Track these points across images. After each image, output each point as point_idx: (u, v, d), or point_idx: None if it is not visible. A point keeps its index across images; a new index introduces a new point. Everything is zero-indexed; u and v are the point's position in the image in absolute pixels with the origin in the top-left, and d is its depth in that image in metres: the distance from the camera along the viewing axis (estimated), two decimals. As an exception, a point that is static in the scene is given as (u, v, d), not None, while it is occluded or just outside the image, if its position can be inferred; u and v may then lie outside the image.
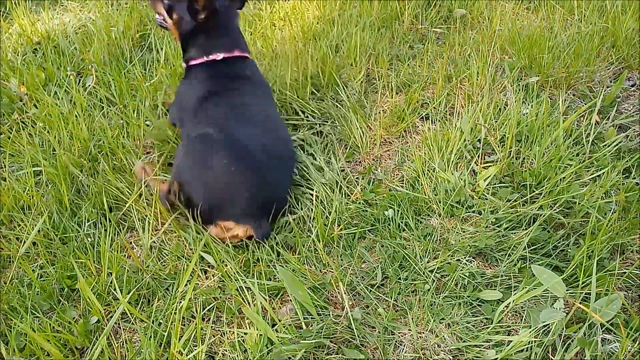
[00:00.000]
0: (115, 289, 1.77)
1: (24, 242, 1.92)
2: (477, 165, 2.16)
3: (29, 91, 2.82)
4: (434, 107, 2.55)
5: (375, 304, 1.73)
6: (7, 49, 3.32)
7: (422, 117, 2.55)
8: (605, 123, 2.40)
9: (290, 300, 1.76)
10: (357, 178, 2.23)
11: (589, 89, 2.63)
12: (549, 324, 1.56)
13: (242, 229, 1.91)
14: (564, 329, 1.54)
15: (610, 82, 2.69)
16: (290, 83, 2.66)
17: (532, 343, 1.52)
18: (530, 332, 1.54)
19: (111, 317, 1.74)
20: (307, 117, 2.55)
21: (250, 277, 1.83)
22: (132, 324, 1.75)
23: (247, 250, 1.94)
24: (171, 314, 1.73)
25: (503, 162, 2.06)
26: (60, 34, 3.35)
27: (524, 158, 2.15)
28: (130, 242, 2.04)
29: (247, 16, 3.43)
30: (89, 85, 2.85)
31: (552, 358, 1.49)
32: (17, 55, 3.22)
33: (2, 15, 3.65)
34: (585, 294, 1.64)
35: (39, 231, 2.01)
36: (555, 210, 1.88)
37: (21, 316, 1.75)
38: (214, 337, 1.69)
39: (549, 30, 2.99)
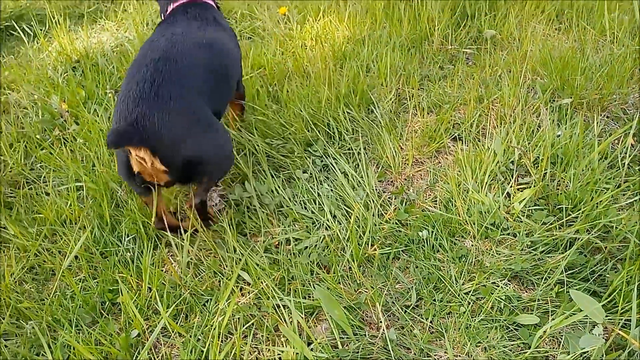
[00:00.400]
0: (156, 304, 1.82)
1: (68, 255, 1.98)
2: (510, 187, 2.16)
3: (69, 108, 2.91)
4: (466, 128, 2.57)
5: (410, 325, 1.74)
6: (47, 66, 3.44)
7: (454, 138, 2.56)
8: (640, 146, 2.38)
9: (326, 319, 1.79)
10: (389, 197, 2.25)
11: (622, 111, 2.62)
12: (588, 351, 1.56)
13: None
14: (604, 356, 1.53)
15: (644, 104, 2.68)
16: (324, 103, 2.70)
17: (572, 369, 1.52)
18: (569, 358, 1.53)
19: (151, 331, 1.78)
20: (340, 135, 2.59)
21: (286, 294, 1.86)
22: (172, 338, 1.79)
23: (282, 267, 1.97)
24: (209, 330, 1.76)
25: (538, 185, 2.06)
26: (98, 53, 3.47)
27: (559, 181, 2.15)
28: (170, 256, 2.09)
29: (278, 36, 3.50)
30: (127, 103, 2.93)
31: (592, 385, 1.48)
32: (57, 72, 3.33)
33: (43, 33, 3.79)
34: (625, 320, 1.63)
35: (82, 246, 2.08)
36: (592, 234, 1.88)
37: (65, 328, 1.81)
38: (251, 354, 1.72)
39: (580, 51, 2.99)
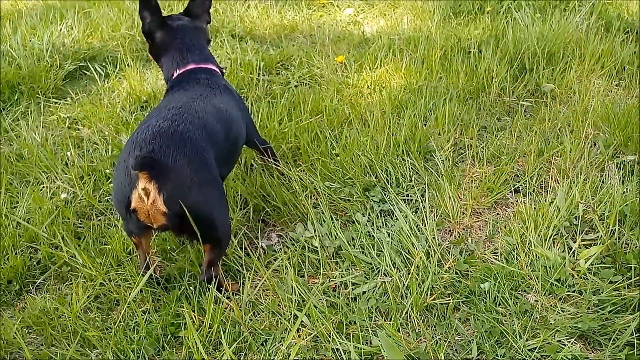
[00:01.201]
0: (218, 339, 1.85)
1: (135, 286, 2.05)
2: (574, 242, 2.12)
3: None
4: (526, 181, 2.55)
5: (473, 379, 1.71)
6: (117, 105, 3.64)
7: (513, 190, 2.55)
8: None
9: (385, 367, 1.77)
10: (448, 247, 2.25)
11: (689, 170, 2.56)
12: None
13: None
14: None
15: None
16: (382, 149, 2.76)
17: None
18: None
19: (212, 367, 1.81)
20: (398, 181, 2.62)
21: (344, 339, 1.86)
22: (230, 376, 1.81)
23: (340, 311, 1.98)
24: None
25: (606, 242, 2.02)
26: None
27: (626, 239, 2.10)
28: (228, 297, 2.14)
29: (335, 83, 3.61)
30: (191, 142, 3.06)
31: None
32: (127, 111, 3.52)
33: (114, 74, 4.03)
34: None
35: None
36: (664, 296, 1.82)
37: (129, 358, 1.86)
38: (310, 398, 1.72)
39: (641, 108, 2.96)
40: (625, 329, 1.75)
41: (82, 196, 2.73)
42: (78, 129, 3.40)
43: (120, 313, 2.05)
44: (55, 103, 3.72)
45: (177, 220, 1.80)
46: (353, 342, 1.83)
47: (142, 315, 2.02)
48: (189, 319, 1.85)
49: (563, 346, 1.75)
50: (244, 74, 3.73)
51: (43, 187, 2.80)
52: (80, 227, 2.56)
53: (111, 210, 2.62)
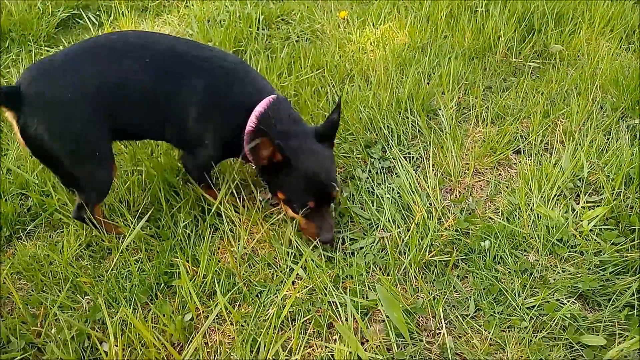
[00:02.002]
0: (213, 288, 1.82)
1: (128, 234, 2.00)
2: (577, 204, 2.09)
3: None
4: (530, 142, 2.50)
5: (469, 334, 1.69)
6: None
7: (517, 151, 2.50)
8: None
9: (381, 320, 1.75)
10: (449, 205, 2.20)
11: (697, 137, 2.50)
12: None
13: None
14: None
15: None
16: (385, 106, 2.68)
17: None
18: (640, 384, 1.45)
19: (206, 316, 1.78)
20: (399, 139, 2.56)
21: (340, 292, 1.83)
22: (222, 324, 1.79)
23: (337, 265, 1.95)
24: (263, 321, 1.75)
25: (611, 204, 1.98)
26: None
27: (631, 201, 2.06)
28: (224, 246, 2.10)
29: (337, 39, 3.50)
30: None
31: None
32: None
33: (108, 23, 3.89)
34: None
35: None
36: (666, 258, 1.79)
37: (118, 304, 1.83)
38: (304, 349, 1.69)
39: (652, 72, 2.88)
40: (626, 290, 1.73)
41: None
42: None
43: (112, 261, 2.01)
44: (47, 51, 3.60)
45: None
46: (349, 296, 1.80)
47: (135, 264, 1.98)
48: (183, 268, 1.81)
49: (562, 305, 1.73)
50: (242, 27, 3.61)
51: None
52: (72, 175, 2.49)
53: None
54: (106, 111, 1.90)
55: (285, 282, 1.87)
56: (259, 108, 1.97)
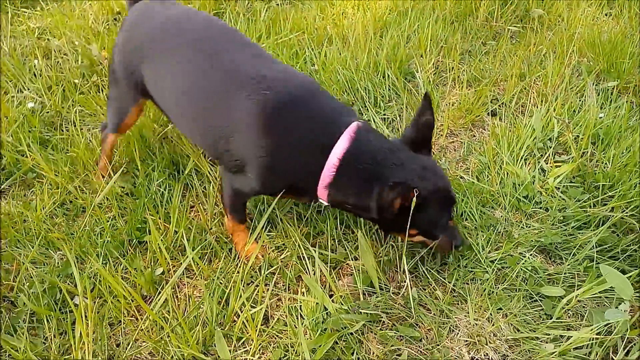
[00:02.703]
0: (181, 245, 1.84)
1: (99, 192, 2.01)
2: (546, 163, 2.11)
3: (108, 55, 2.94)
4: (504, 103, 2.51)
5: (433, 286, 1.73)
6: (89, 16, 3.47)
7: (491, 113, 2.51)
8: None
9: (350, 274, 1.79)
10: (421, 165, 2.22)
11: (669, 99, 2.53)
12: (611, 326, 1.52)
13: None
14: (628, 330, 1.50)
15: (694, 94, 2.58)
16: (364, 68, 2.68)
17: (592, 341, 1.49)
18: (591, 330, 1.50)
19: (175, 271, 1.81)
20: (376, 101, 2.56)
21: (310, 247, 1.86)
22: (194, 279, 1.82)
23: (309, 223, 1.97)
24: (232, 274, 1.78)
25: (576, 162, 2.01)
26: (140, 6, 3.49)
27: (597, 160, 2.09)
28: (199, 204, 2.11)
29: (319, 2, 3.46)
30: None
31: (614, 358, 1.45)
32: (99, 22, 3.37)
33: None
34: (655, 300, 1.59)
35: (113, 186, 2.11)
36: (627, 213, 1.83)
37: (93, 259, 1.85)
38: (271, 300, 1.73)
39: (630, 36, 2.89)
40: (586, 244, 1.77)
41: (50, 106, 2.64)
42: (48, 40, 3.25)
43: (85, 218, 2.03)
44: (25, 12, 3.54)
45: None
46: (320, 249, 1.83)
47: (108, 221, 2.00)
48: (153, 225, 1.83)
49: (524, 258, 1.77)
50: (224, -12, 3.56)
51: (9, 96, 2.70)
52: (47, 135, 2.49)
53: (81, 120, 2.54)
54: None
55: (255, 238, 1.89)
56: (341, 147, 1.57)
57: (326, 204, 1.69)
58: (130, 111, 2.05)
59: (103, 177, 2.19)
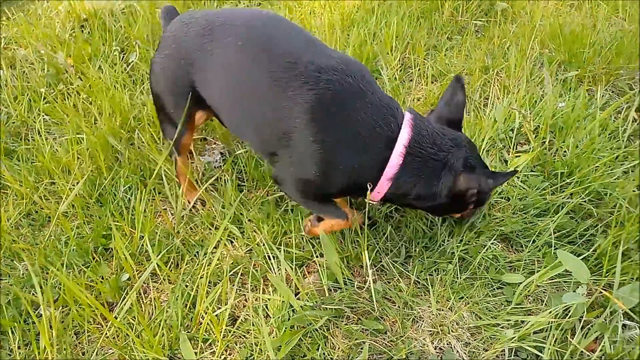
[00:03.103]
0: (147, 250, 1.84)
1: (63, 201, 2.00)
2: (508, 154, 2.15)
3: (74, 63, 2.93)
4: (468, 96, 2.54)
5: (397, 279, 1.75)
6: (55, 24, 3.45)
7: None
8: (645, 121, 2.35)
9: (315, 271, 1.80)
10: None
11: (629, 87, 2.58)
12: (569, 309, 1.55)
13: None
14: (585, 313, 1.53)
15: (653, 80, 2.64)
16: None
17: (551, 323, 1.52)
18: (549, 314, 1.53)
19: (142, 276, 1.81)
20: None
21: (278, 246, 1.87)
22: (161, 283, 1.82)
23: (276, 223, 1.98)
24: (198, 277, 1.78)
25: (536, 151, 2.04)
26: (107, 13, 3.47)
27: (557, 149, 2.13)
28: (165, 209, 2.11)
29: (287, 2, 3.48)
30: (132, 61, 2.94)
31: (571, 341, 1.48)
32: (65, 30, 3.34)
33: (53, -7, 3.79)
34: (609, 282, 1.62)
35: (78, 194, 2.10)
36: (584, 198, 1.86)
37: (57, 269, 1.84)
38: (238, 300, 1.74)
39: (591, 27, 2.94)
40: (545, 231, 1.80)
41: (16, 116, 2.62)
42: (14, 50, 3.23)
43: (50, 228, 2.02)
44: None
45: None
46: (287, 248, 1.84)
47: (73, 230, 1.99)
48: (117, 231, 1.83)
49: (485, 248, 1.80)
50: (191, -5, 3.56)
51: (-26, 107, 2.68)
52: (13, 146, 2.47)
53: (46, 129, 2.52)
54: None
55: (221, 241, 1.90)
56: (405, 136, 1.56)
57: (375, 201, 1.67)
58: (186, 131, 1.93)
59: (189, 202, 2.10)
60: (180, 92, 1.83)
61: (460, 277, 1.73)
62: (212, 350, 1.61)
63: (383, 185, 1.60)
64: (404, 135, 1.55)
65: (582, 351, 1.50)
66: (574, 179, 1.94)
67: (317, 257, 1.86)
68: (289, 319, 1.63)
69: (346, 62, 1.62)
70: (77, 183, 2.13)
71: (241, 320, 1.69)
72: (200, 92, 1.80)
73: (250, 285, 1.79)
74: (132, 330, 1.63)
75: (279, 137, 1.60)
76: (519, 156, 2.06)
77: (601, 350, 1.48)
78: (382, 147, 1.55)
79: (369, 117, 1.55)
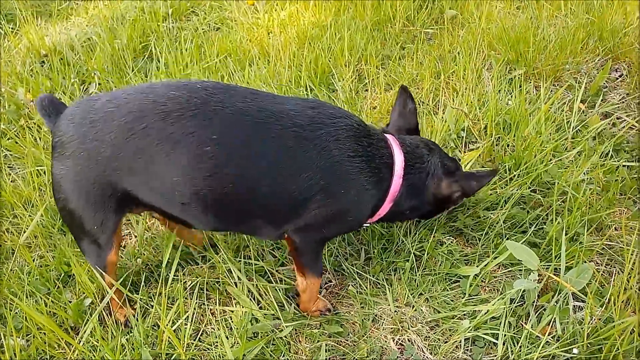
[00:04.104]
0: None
1: (24, 231, 2.01)
2: (460, 153, 2.21)
3: (34, 98, 2.95)
4: (422, 101, 2.62)
5: (357, 281, 1.79)
6: (16, 62, 3.47)
7: (410, 111, 2.61)
8: (591, 111, 2.44)
9: (280, 280, 1.83)
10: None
11: (575, 80, 2.68)
12: (523, 296, 1.60)
13: None
14: (537, 298, 1.58)
15: (597, 73, 2.74)
16: (286, 83, 2.76)
17: (505, 310, 1.56)
18: (503, 301, 1.58)
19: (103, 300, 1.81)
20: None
21: (238, 259, 1.90)
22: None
23: (239, 236, 2.01)
24: (157, 295, 1.80)
25: (484, 148, 2.11)
26: (66, 46, 3.51)
27: (507, 144, 2.20)
28: (129, 232, 2.13)
29: (245, 25, 3.55)
30: (92, 92, 2.98)
31: (524, 325, 1.53)
32: (25, 67, 3.37)
33: (13, 32, 3.82)
34: (559, 266, 1.68)
35: (40, 224, 2.11)
36: (532, 188, 1.93)
37: (19, 298, 1.84)
38: (203, 316, 1.76)
39: (535, 26, 3.05)
40: (497, 223, 1.86)
41: (-23, 154, 2.63)
42: (-26, 90, 3.24)
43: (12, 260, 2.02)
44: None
45: None
46: (248, 260, 1.87)
47: (35, 260, 2.00)
48: (74, 259, 1.83)
49: (441, 243, 1.85)
50: (150, 23, 3.62)
51: None
52: (-26, 184, 2.47)
53: (7, 164, 2.53)
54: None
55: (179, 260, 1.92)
56: (399, 159, 1.61)
57: (368, 224, 1.70)
58: (112, 247, 1.63)
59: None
60: (105, 202, 1.52)
61: (418, 274, 1.77)
62: (177, 366, 1.62)
63: (385, 208, 1.63)
64: (399, 157, 1.60)
65: (537, 335, 1.55)
66: (520, 171, 2.01)
67: (279, 266, 1.89)
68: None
69: (325, 106, 1.59)
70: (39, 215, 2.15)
71: (205, 333, 1.70)
72: (139, 196, 1.52)
73: (215, 300, 1.81)
74: (96, 352, 1.63)
75: (305, 196, 1.48)
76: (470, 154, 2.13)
77: (554, 333, 1.52)
78: (387, 174, 1.58)
79: (373, 149, 1.56)
